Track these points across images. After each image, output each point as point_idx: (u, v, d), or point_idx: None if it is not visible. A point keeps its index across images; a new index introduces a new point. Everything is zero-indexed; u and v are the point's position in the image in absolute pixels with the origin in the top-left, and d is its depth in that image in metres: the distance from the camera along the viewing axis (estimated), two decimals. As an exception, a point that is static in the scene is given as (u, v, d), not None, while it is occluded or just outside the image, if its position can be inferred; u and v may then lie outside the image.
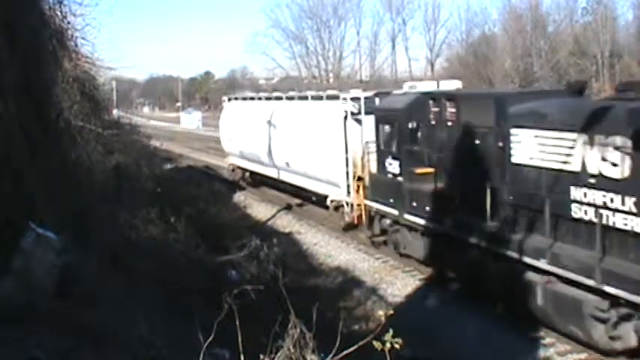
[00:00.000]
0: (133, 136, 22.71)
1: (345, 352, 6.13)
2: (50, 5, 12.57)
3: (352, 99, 20.66)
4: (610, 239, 10.60)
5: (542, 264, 11.65)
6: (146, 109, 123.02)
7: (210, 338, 6.15)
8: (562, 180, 11.43)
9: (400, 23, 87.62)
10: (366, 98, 20.14)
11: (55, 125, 10.70)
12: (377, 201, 18.01)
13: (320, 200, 23.03)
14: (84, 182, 11.93)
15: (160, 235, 14.49)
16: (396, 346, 5.60)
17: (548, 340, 12.19)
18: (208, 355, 6.14)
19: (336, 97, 22.11)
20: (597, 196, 10.73)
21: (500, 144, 12.93)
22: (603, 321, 10.67)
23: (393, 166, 16.96)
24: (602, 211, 10.59)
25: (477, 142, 13.68)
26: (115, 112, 24.90)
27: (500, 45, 69.48)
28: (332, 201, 21.56)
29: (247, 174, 31.35)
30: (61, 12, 13.17)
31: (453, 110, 14.52)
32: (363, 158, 19.15)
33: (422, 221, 15.57)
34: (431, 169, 15.23)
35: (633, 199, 10.08)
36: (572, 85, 14.78)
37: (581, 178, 11.02)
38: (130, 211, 14.77)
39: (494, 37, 72.80)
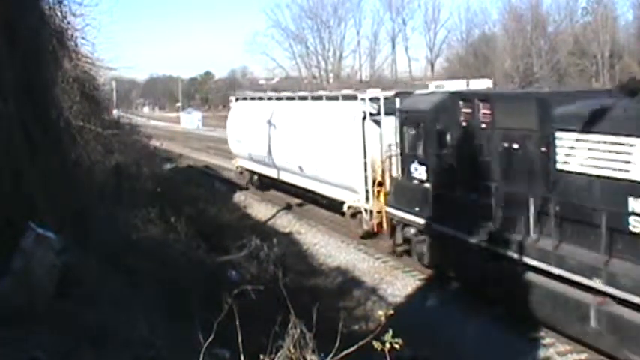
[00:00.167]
0: (133, 136, 22.72)
1: (345, 352, 6.13)
2: (50, 5, 12.57)
3: (371, 99, 19.52)
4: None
5: (596, 284, 10.48)
6: (146, 109, 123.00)
7: (210, 338, 6.14)
8: (618, 190, 10.28)
9: (400, 23, 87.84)
10: (385, 98, 18.96)
11: (55, 125, 10.70)
12: (400, 208, 16.76)
13: (336, 206, 21.92)
14: (84, 182, 11.94)
15: (159, 235, 14.48)
16: (396, 346, 5.60)
17: (548, 340, 12.19)
18: (208, 355, 6.13)
19: (354, 97, 20.93)
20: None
21: (544, 149, 11.85)
22: None
23: (419, 171, 15.77)
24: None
25: (516, 146, 12.60)
26: (115, 112, 24.89)
27: (500, 45, 69.60)
28: (349, 207, 20.37)
29: (255, 177, 30.19)
30: (61, 12, 13.18)
31: (488, 112, 13.40)
32: (384, 162, 18.18)
33: (452, 232, 14.25)
34: (463, 176, 14.14)
35: None
36: (626, 84, 13.94)
37: None
38: (130, 211, 14.77)
39: (494, 37, 72.93)
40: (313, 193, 23.80)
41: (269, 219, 24.78)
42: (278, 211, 25.86)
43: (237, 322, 6.26)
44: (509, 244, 12.44)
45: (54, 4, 12.80)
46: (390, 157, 17.72)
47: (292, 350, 6.25)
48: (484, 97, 14.02)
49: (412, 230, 16.40)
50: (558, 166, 11.57)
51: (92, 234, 10.06)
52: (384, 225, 18.24)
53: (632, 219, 10.05)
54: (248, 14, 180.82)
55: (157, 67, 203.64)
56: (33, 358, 5.85)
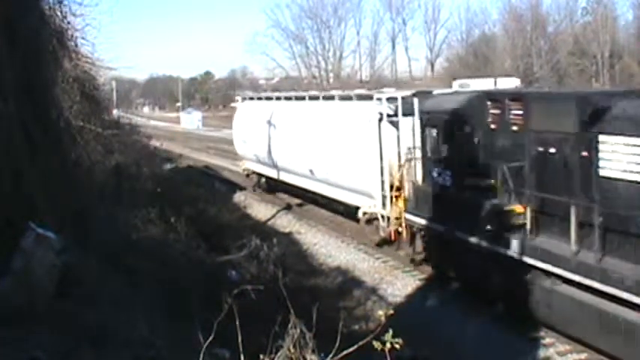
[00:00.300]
0: (133, 136, 22.71)
1: (345, 352, 6.13)
2: (50, 5, 12.57)
3: (388, 99, 18.49)
4: None
5: None
6: (146, 109, 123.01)
7: (211, 338, 6.15)
8: None
9: (400, 23, 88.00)
10: (403, 98, 17.95)
11: (55, 125, 10.70)
12: (421, 215, 15.76)
13: (350, 212, 21.02)
14: (84, 182, 11.93)
15: (159, 235, 14.48)
16: (396, 346, 5.60)
17: (548, 340, 12.20)
18: (208, 355, 6.13)
19: (369, 97, 19.90)
20: None
21: (585, 154, 10.95)
22: None
23: (442, 176, 14.80)
24: None
25: (552, 150, 11.73)
26: (115, 112, 24.89)
27: (500, 45, 69.65)
28: (364, 213, 19.37)
29: (263, 179, 29.36)
30: (61, 12, 13.18)
31: (519, 112, 12.54)
32: (403, 166, 17.20)
33: (478, 242, 13.32)
34: (491, 182, 13.29)
35: None
36: None
37: None
38: (130, 211, 14.77)
39: (494, 37, 72.97)
40: (325, 197, 22.97)
41: (269, 219, 24.78)
42: (278, 211, 25.87)
43: (237, 322, 6.26)
44: (544, 257, 11.57)
45: (54, 4, 12.80)
46: (409, 161, 16.79)
47: (292, 350, 6.25)
48: (515, 96, 13.10)
49: (434, 240, 15.41)
50: (602, 172, 10.57)
51: (92, 234, 10.06)
52: (403, 232, 17.29)
53: None
54: (248, 14, 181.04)
55: (157, 67, 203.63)
56: (33, 358, 5.85)
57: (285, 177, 26.15)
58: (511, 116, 12.80)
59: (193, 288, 10.86)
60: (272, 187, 28.76)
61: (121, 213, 13.99)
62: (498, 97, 13.45)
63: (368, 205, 19.19)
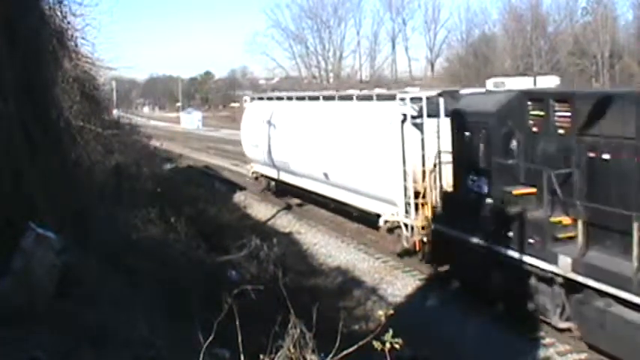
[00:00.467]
0: (133, 136, 22.71)
1: (345, 352, 6.13)
2: (50, 5, 12.57)
3: (412, 99, 17.27)
4: None
5: None
6: (146, 109, 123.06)
7: (211, 338, 6.15)
8: None
9: (400, 23, 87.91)
10: (428, 99, 16.87)
11: (55, 125, 10.70)
12: (452, 226, 14.54)
13: (368, 218, 19.90)
14: (84, 182, 11.94)
15: (160, 235, 14.48)
16: (396, 346, 5.61)
17: (548, 340, 12.20)
18: (208, 355, 6.14)
19: (391, 97, 18.59)
20: None
21: None
22: None
23: (477, 183, 13.60)
24: None
25: (606, 157, 10.72)
26: (115, 112, 24.89)
27: (500, 45, 69.68)
28: (385, 222, 18.07)
29: (273, 183, 28.27)
30: (61, 12, 13.18)
31: (567, 114, 11.58)
32: (431, 172, 15.92)
33: (522, 257, 12.23)
34: (532, 190, 12.23)
35: None
36: None
37: None
38: (130, 211, 14.77)
39: (494, 37, 73.00)
40: (341, 203, 21.66)
41: (269, 219, 24.78)
42: (278, 211, 25.86)
43: (237, 322, 6.26)
44: (598, 275, 10.52)
45: (54, 4, 12.80)
46: (438, 165, 15.43)
47: (292, 350, 6.26)
48: (562, 96, 12.03)
49: (469, 252, 13.97)
50: None
51: (92, 234, 10.06)
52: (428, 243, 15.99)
53: None
54: (248, 14, 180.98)
55: (157, 67, 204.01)
56: (33, 358, 5.85)
57: (296, 181, 25.02)
58: (556, 118, 11.80)
59: (193, 288, 10.86)
60: (282, 190, 27.69)
61: (121, 213, 14.00)
62: (541, 98, 12.41)
63: (390, 213, 17.95)
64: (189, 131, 78.88)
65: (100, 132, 15.83)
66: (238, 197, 29.40)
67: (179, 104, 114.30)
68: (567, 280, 11.14)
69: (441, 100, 16.06)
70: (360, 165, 19.11)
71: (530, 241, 11.87)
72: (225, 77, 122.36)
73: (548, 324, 12.14)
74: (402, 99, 17.58)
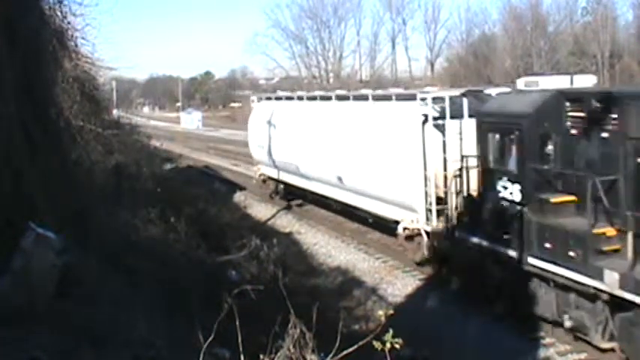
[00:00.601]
0: (133, 136, 22.74)
1: (345, 352, 6.13)
2: (50, 5, 12.58)
3: (434, 99, 16.38)
4: None
5: None
6: (146, 109, 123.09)
7: (211, 338, 6.15)
8: None
9: (400, 23, 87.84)
10: (451, 98, 15.93)
11: (55, 125, 10.70)
12: (479, 235, 13.54)
13: (386, 226, 18.82)
14: (84, 182, 11.93)
15: (159, 235, 14.47)
16: (396, 346, 5.61)
17: (548, 340, 12.21)
18: (208, 355, 6.14)
19: (411, 97, 17.55)
20: None
21: None
22: None
23: (509, 190, 12.60)
24: None
25: None
26: (115, 112, 24.91)
27: (500, 45, 69.71)
28: (405, 229, 16.92)
29: (281, 186, 27.29)
30: (61, 12, 13.20)
31: (612, 116, 10.76)
32: (455, 177, 14.94)
33: (561, 271, 11.20)
34: (572, 198, 11.44)
35: None
36: None
37: None
38: (130, 211, 14.76)
39: (494, 37, 73.03)
40: (356, 208, 20.59)
41: (269, 219, 24.78)
42: (278, 211, 25.86)
43: (237, 322, 6.26)
44: None
45: (54, 4, 12.81)
46: (461, 171, 14.43)
47: (292, 350, 6.26)
48: (606, 97, 11.17)
49: (498, 265, 13.17)
50: None
51: (92, 234, 10.05)
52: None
53: None
54: (248, 14, 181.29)
55: (157, 67, 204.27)
56: (33, 358, 5.85)
57: (307, 184, 23.99)
58: (599, 120, 11.00)
59: (193, 288, 10.86)
60: (292, 194, 26.73)
61: (121, 213, 13.99)
62: (582, 98, 11.63)
63: (410, 220, 16.86)
64: (189, 131, 78.91)
65: (100, 132, 15.84)
66: (238, 197, 29.40)
67: (179, 104, 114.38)
68: (613, 297, 10.30)
69: (465, 100, 15.21)
70: (378, 169, 18.10)
71: (571, 254, 10.87)
72: (225, 77, 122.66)
73: (555, 327, 12.12)
74: (423, 99, 16.61)
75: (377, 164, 18.09)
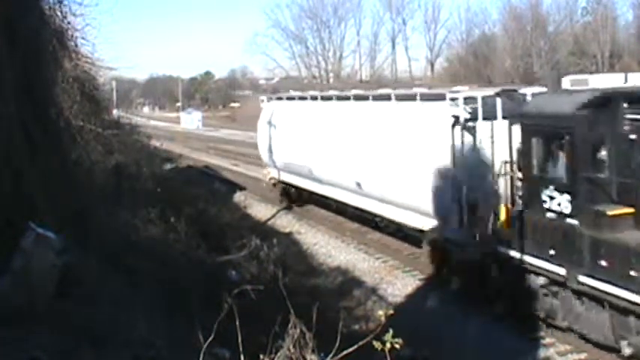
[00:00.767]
0: (133, 136, 22.74)
1: (345, 352, 6.13)
2: (50, 5, 12.58)
3: (465, 99, 15.08)
4: None
5: None
6: (146, 109, 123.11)
7: (211, 338, 6.15)
8: None
9: (400, 23, 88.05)
10: (484, 98, 14.69)
11: (55, 125, 10.70)
12: (516, 248, 12.51)
13: (409, 235, 17.87)
14: (84, 182, 11.93)
15: (160, 235, 14.47)
16: (396, 346, 5.61)
17: (548, 340, 12.21)
18: (208, 355, 6.14)
19: (439, 97, 16.20)
20: None
21: None
22: None
23: (556, 201, 11.50)
24: None
25: None
26: (115, 112, 24.91)
27: (500, 45, 69.75)
28: (432, 239, 15.81)
29: (292, 190, 26.14)
30: (61, 12, 13.20)
31: None
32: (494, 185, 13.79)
33: (619, 291, 10.15)
34: (631, 210, 10.44)
35: None
36: None
37: None
38: (130, 211, 14.76)
39: (494, 37, 73.09)
40: (375, 216, 19.37)
41: (269, 219, 24.77)
42: (278, 211, 25.86)
43: (237, 322, 6.26)
44: None
45: (54, 4, 12.81)
46: (498, 177, 13.34)
47: (292, 350, 6.26)
48: None
49: (539, 280, 12.08)
50: None
51: (92, 234, 10.05)
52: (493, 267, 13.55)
53: None
54: (248, 14, 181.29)
55: (157, 67, 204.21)
56: (33, 358, 5.85)
57: (321, 189, 22.81)
58: None
59: (193, 288, 10.86)
60: (304, 199, 25.67)
61: (121, 213, 13.99)
62: None
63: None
64: (189, 131, 78.91)
65: (100, 132, 15.84)
66: (238, 197, 29.39)
67: (179, 104, 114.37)
68: None
69: (498, 101, 14.18)
70: (401, 174, 16.80)
71: (633, 273, 9.85)
72: (225, 77, 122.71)
73: (555, 327, 12.14)
74: (454, 99, 15.23)
75: (401, 169, 16.82)
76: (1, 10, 8.65)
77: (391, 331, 5.70)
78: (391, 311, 7.53)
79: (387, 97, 19.11)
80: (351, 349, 6.10)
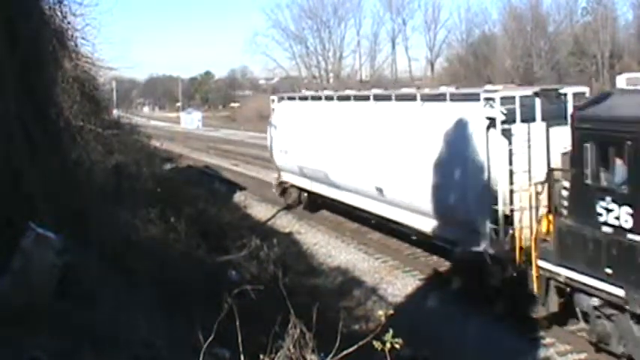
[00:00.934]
0: (133, 136, 22.72)
1: (345, 352, 6.13)
2: (50, 5, 12.58)
3: (502, 99, 13.74)
4: None
5: None
6: (146, 109, 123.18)
7: (211, 338, 6.15)
8: None
9: (400, 23, 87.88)
10: (522, 98, 13.63)
11: (55, 125, 10.70)
12: (569, 266, 11.28)
13: (438, 246, 16.45)
14: (84, 182, 11.92)
15: (159, 235, 14.48)
16: (396, 346, 5.61)
17: (548, 340, 12.22)
18: (208, 355, 6.14)
19: (472, 97, 14.83)
20: None
21: None
22: None
23: (615, 213, 10.35)
24: None
25: None
26: (115, 112, 24.90)
27: (500, 45, 69.72)
28: (464, 251, 14.68)
29: (305, 194, 25.15)
30: (61, 12, 13.19)
31: None
32: (525, 191, 13.04)
33: None
34: None
35: None
36: None
37: None
38: (130, 211, 14.76)
39: (494, 37, 73.05)
40: (399, 224, 17.99)
41: (269, 219, 24.77)
42: (278, 211, 25.85)
43: (237, 322, 6.27)
44: None
45: (54, 4, 12.81)
46: (543, 185, 12.38)
47: (292, 350, 6.26)
48: None
49: (593, 301, 10.96)
50: None
51: (92, 234, 10.05)
52: (534, 285, 12.21)
53: None
54: (248, 14, 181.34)
55: (157, 67, 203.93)
56: (33, 358, 5.85)
57: (337, 194, 21.57)
58: None
59: (193, 288, 10.86)
60: (318, 204, 24.67)
61: (121, 213, 13.99)
62: None
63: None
64: (189, 131, 78.95)
65: (100, 132, 15.85)
66: (238, 197, 29.39)
67: (179, 104, 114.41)
68: None
69: (537, 101, 13.30)
70: (429, 181, 15.55)
71: None
72: (225, 77, 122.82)
73: (555, 327, 12.14)
74: (490, 99, 13.87)
75: (428, 176, 15.53)
76: (1, 10, 8.65)
77: (391, 331, 5.70)
78: (391, 311, 7.55)
79: (412, 97, 17.72)
80: (351, 349, 6.10)
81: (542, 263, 11.92)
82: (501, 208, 13.47)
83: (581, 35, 65.24)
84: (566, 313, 12.17)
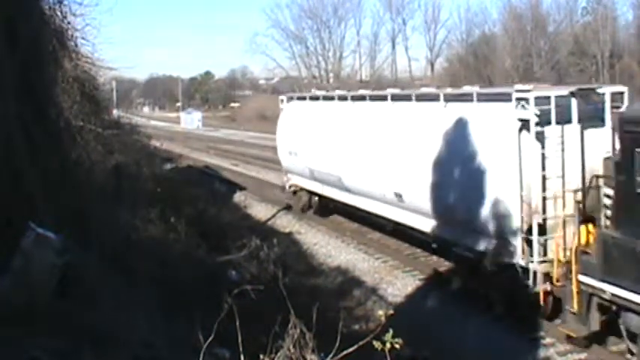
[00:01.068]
0: (133, 136, 22.71)
1: (345, 352, 6.13)
2: (50, 5, 12.56)
3: (537, 99, 12.73)
4: None
5: None
6: (146, 109, 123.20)
7: (211, 338, 6.15)
8: None
9: (400, 23, 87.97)
10: (558, 98, 12.76)
11: (55, 125, 10.70)
12: (615, 282, 10.34)
13: (462, 256, 14.73)
14: (84, 182, 11.92)
15: (160, 235, 14.48)
16: (396, 346, 5.61)
17: (548, 340, 12.21)
18: (208, 354, 6.14)
19: (502, 98, 13.85)
20: None
21: None
22: None
23: None
24: None
25: None
26: (115, 112, 24.88)
27: (500, 45, 69.75)
28: (494, 262, 13.54)
29: (315, 198, 24.32)
30: (61, 12, 13.17)
31: None
32: (559, 198, 12.40)
33: None
34: None
35: None
36: None
37: None
38: (130, 211, 14.76)
39: (494, 37, 73.05)
40: (420, 232, 16.97)
41: (269, 219, 24.77)
42: (278, 211, 25.86)
43: (237, 322, 6.27)
44: None
45: (54, 4, 12.79)
46: (579, 192, 11.84)
47: (292, 350, 6.26)
48: None
49: None
50: None
51: (92, 234, 10.04)
52: (573, 300, 11.43)
53: None
54: (248, 14, 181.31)
55: (157, 67, 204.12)
56: (33, 358, 5.85)
57: (351, 199, 20.73)
58: None
59: (193, 288, 10.86)
60: (330, 209, 23.85)
61: (121, 213, 13.98)
62: None
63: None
64: (189, 131, 78.97)
65: (100, 132, 15.83)
66: (238, 197, 29.40)
67: (179, 104, 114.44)
68: None
69: (574, 102, 12.54)
70: (454, 187, 14.77)
71: None
72: (225, 77, 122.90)
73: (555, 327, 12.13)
74: (523, 99, 12.83)
75: (453, 181, 14.77)
76: (1, 10, 8.66)
77: (391, 331, 5.70)
78: (391, 311, 7.54)
79: (434, 98, 16.57)
80: (351, 349, 6.10)
81: (583, 278, 11.04)
82: (534, 217, 12.62)
83: (581, 35, 65.27)
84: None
